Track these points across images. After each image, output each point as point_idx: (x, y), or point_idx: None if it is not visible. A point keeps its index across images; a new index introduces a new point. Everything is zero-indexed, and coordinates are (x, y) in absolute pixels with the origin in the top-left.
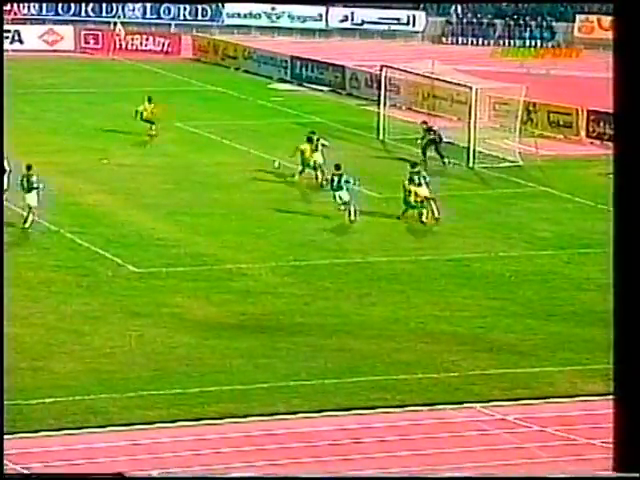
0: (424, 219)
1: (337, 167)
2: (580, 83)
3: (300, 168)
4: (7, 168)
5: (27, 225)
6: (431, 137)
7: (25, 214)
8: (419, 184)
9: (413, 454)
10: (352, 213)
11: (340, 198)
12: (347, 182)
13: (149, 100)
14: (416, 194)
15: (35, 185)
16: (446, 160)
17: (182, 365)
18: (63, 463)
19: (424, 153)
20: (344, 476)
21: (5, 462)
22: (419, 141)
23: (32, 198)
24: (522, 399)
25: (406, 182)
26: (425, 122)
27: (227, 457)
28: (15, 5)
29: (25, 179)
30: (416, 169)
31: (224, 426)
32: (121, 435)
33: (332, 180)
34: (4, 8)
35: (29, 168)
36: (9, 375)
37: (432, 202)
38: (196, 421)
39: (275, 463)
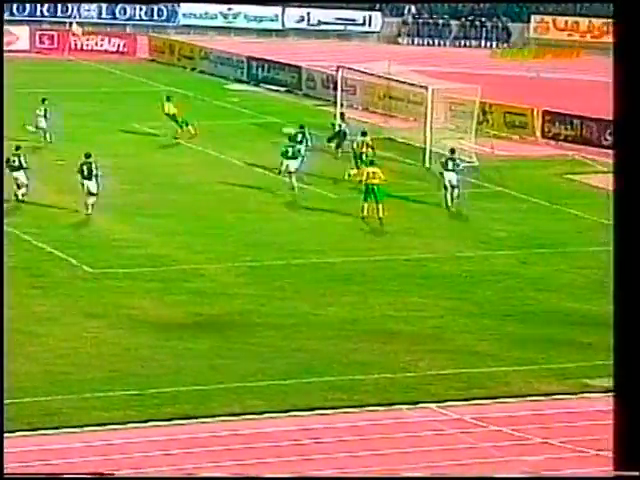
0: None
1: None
2: (535, 83)
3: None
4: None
5: None
6: (339, 130)
7: None
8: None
9: (371, 454)
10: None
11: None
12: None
13: (168, 99)
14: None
15: None
16: (340, 151)
17: (138, 366)
18: (17, 465)
19: (329, 141)
20: (310, 476)
21: None
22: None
23: None
24: (478, 399)
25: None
26: (342, 114)
27: (195, 457)
28: None
29: None
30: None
31: (189, 426)
32: (76, 436)
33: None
34: None
35: None
36: None
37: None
38: (146, 422)
39: (240, 463)
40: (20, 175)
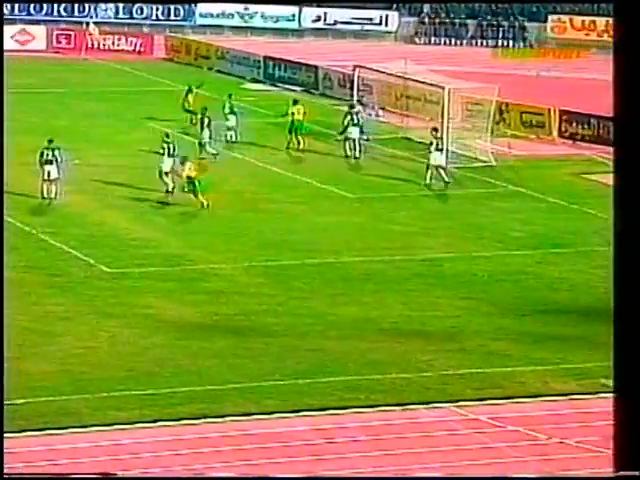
0: None
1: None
2: (552, 83)
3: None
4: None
5: None
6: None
7: None
8: None
9: (385, 454)
10: None
11: None
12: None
13: (190, 90)
14: None
15: None
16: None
17: (154, 366)
18: (26, 465)
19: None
20: (322, 476)
21: None
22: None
23: None
24: (494, 399)
25: None
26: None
27: (205, 457)
28: None
29: None
30: None
31: (200, 426)
32: (91, 436)
33: None
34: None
35: None
36: None
37: None
38: (168, 421)
39: (250, 463)
40: (52, 169)
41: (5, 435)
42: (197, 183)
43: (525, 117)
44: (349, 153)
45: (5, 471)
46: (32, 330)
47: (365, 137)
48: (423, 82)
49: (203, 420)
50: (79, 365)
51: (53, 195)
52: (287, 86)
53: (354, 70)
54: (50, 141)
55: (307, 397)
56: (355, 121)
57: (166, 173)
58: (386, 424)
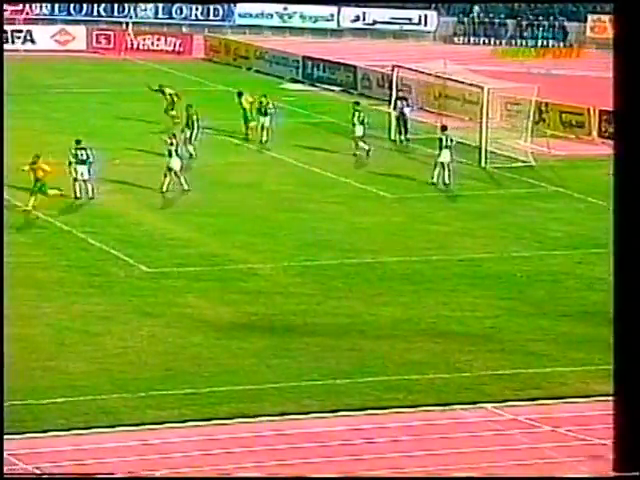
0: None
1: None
2: (592, 83)
3: None
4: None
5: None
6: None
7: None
8: None
9: (426, 454)
10: None
11: None
12: None
13: (240, 95)
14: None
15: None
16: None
17: (193, 365)
18: (72, 463)
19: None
20: (349, 476)
21: (16, 462)
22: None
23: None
24: (533, 399)
25: None
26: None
27: (237, 457)
28: (27, 5)
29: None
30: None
31: (235, 426)
32: (131, 435)
33: None
34: (16, 8)
35: None
36: (20, 375)
37: None
38: (207, 421)
39: (285, 463)
40: (84, 169)
41: (47, 434)
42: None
43: (565, 117)
44: (387, 154)
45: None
46: (72, 329)
47: (405, 137)
48: (462, 82)
49: (238, 420)
50: (118, 364)
51: (86, 194)
52: (325, 86)
53: (393, 70)
54: (78, 141)
55: (346, 397)
56: (399, 122)
57: None
58: (426, 424)
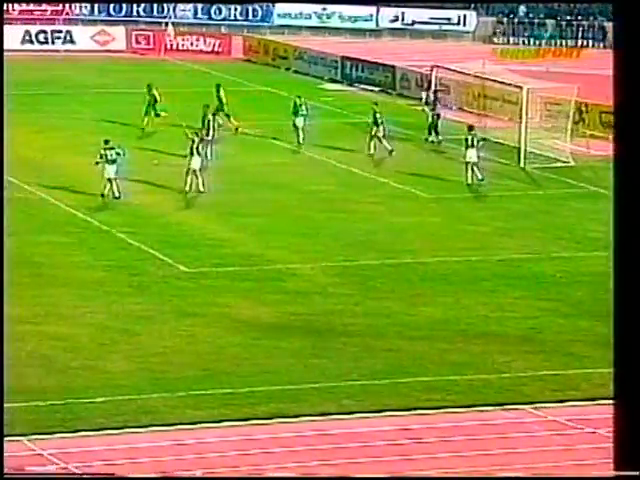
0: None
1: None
2: None
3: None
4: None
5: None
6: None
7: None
8: None
9: (456, 455)
10: None
11: None
12: None
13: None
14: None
15: None
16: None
17: (232, 365)
18: (109, 463)
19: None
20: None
21: (55, 461)
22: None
23: None
24: (573, 400)
25: None
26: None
27: (277, 457)
28: (67, 5)
29: None
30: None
31: (274, 426)
32: (168, 435)
33: None
34: (56, 8)
35: None
36: (60, 375)
37: None
38: (245, 421)
39: (329, 463)
40: (112, 169)
41: (84, 433)
42: None
43: (605, 117)
44: (425, 154)
45: (91, 470)
46: (112, 329)
47: (439, 138)
48: (501, 82)
49: (277, 420)
50: (158, 364)
51: (115, 195)
52: (364, 86)
53: (432, 70)
54: (107, 141)
55: (385, 397)
56: (436, 122)
57: None
58: (480, 424)
